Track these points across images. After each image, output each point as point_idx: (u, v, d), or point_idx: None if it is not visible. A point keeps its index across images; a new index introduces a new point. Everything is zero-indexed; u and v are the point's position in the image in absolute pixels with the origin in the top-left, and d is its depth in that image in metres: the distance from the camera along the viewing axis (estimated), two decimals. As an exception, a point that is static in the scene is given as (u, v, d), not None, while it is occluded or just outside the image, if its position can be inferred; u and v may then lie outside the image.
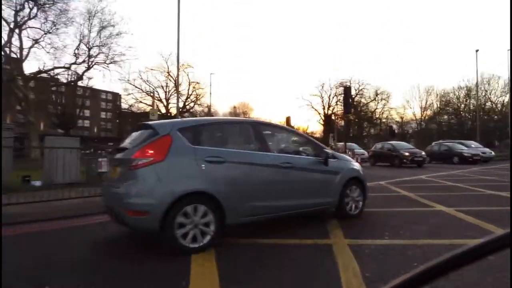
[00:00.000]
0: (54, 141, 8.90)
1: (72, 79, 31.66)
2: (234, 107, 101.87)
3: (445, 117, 52.19)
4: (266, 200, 4.28)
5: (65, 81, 33.54)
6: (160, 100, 43.57)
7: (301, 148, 5.32)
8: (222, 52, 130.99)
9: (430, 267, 0.47)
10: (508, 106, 42.23)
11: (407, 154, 17.94)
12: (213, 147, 4.09)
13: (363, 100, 51.43)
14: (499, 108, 47.40)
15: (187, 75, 42.52)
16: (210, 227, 3.75)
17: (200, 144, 3.99)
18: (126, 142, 4.38)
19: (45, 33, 27.11)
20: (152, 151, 3.68)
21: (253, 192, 4.19)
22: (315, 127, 70.80)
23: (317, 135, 68.10)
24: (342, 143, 22.86)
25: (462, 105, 50.76)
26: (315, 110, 61.53)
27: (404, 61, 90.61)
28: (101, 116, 69.66)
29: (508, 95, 43.69)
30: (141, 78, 42.01)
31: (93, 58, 30.58)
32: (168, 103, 43.84)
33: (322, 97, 59.74)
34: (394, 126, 47.55)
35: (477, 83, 38.63)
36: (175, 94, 43.92)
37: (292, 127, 32.78)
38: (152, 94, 43.44)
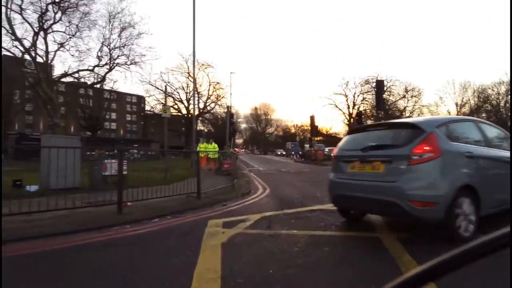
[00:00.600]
0: (51, 140, 7.82)
1: (96, 81, 31.26)
2: (255, 108, 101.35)
3: (483, 115, 48.58)
4: (502, 192, 4.44)
5: (89, 83, 33.29)
6: (181, 101, 42.83)
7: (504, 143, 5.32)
8: (242, 52, 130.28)
9: (429, 267, 0.46)
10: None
11: None
12: (463, 143, 4.39)
13: (391, 97, 48.60)
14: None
15: (207, 75, 41.61)
16: (472, 217, 4.06)
17: (452, 140, 4.28)
18: (363, 142, 4.74)
19: (70, 37, 27.00)
20: (428, 147, 3.99)
21: (496, 185, 4.48)
22: (338, 127, 68.39)
23: (341, 136, 65.89)
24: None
25: (503, 101, 46.89)
26: (339, 109, 59.39)
27: (437, 55, 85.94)
28: (127, 118, 70.41)
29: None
30: (162, 79, 41.44)
31: (115, 59, 30.14)
32: (189, 104, 43.02)
33: (347, 96, 57.42)
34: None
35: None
36: (197, 95, 43.61)
37: (316, 126, 31.21)
38: (172, 95, 42.88)
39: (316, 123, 63.35)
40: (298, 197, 8.51)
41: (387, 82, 48.59)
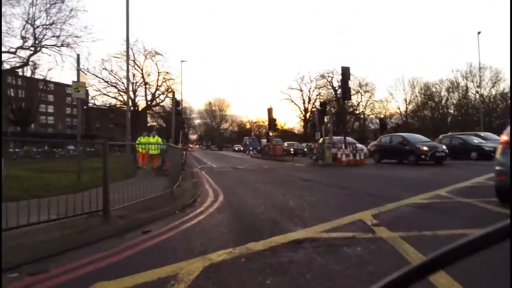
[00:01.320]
0: None
1: (18, 65, 25.81)
2: (210, 103, 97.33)
3: (426, 112, 50.07)
4: None
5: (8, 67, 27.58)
6: (125, 92, 37.96)
7: None
8: (194, 45, 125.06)
9: (429, 260, 0.46)
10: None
11: (425, 148, 14.15)
12: None
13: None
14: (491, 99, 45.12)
15: (156, 64, 37.27)
16: None
17: None
18: None
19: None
20: None
21: None
22: (292, 123, 67.15)
23: (295, 131, 64.88)
24: (338, 137, 18.98)
25: (444, 98, 48.60)
26: (295, 104, 58.12)
27: (391, 52, 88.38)
28: (66, 111, 62.64)
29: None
30: (104, 68, 36.33)
31: (41, 40, 25.04)
32: (135, 96, 38.39)
33: (302, 91, 56.41)
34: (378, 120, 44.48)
35: (480, 68, 36.09)
36: (143, 86, 39.08)
37: (274, 119, 28.90)
38: (116, 85, 37.94)
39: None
40: (265, 210, 5.72)
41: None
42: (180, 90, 36.23)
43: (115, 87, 38.45)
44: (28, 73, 37.45)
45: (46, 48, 25.76)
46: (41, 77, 38.92)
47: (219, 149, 79.90)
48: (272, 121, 27.16)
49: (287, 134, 58.97)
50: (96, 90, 37.72)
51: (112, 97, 38.42)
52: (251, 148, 35.15)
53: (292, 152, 27.17)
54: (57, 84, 50.81)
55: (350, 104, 48.50)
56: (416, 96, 52.57)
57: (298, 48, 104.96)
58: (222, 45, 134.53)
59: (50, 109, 59.60)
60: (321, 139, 22.69)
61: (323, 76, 49.68)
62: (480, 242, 0.44)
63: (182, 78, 35.88)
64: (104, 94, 38.72)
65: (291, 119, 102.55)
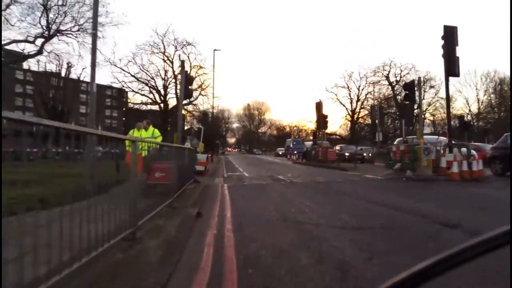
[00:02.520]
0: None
1: (32, 53, 22.27)
2: (248, 105, 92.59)
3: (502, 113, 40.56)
4: None
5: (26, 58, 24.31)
6: (157, 89, 33.83)
7: None
8: (230, 44, 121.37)
9: (428, 265, 0.45)
10: None
11: None
12: None
13: (404, 89, 40.42)
14: None
15: (188, 56, 32.59)
16: None
17: None
18: None
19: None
20: None
21: None
22: (334, 127, 59.13)
23: (341, 132, 57.27)
24: (431, 137, 12.45)
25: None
26: (341, 104, 50.61)
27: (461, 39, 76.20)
28: (106, 113, 61.11)
29: None
30: (134, 62, 32.46)
31: (53, 23, 21.28)
32: (166, 93, 34.04)
33: (350, 89, 48.89)
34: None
35: None
36: (174, 82, 34.67)
37: (325, 116, 22.71)
38: (148, 82, 33.98)
39: (310, 118, 55.02)
40: None
41: (401, 71, 40.48)
42: (212, 79, 30.88)
43: (147, 84, 34.57)
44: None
45: (61, 33, 21.96)
46: (77, 77, 36.52)
47: (253, 153, 74.30)
48: (322, 118, 20.99)
49: (330, 138, 51.82)
50: (128, 88, 33.98)
51: (142, 95, 34.47)
52: (295, 151, 29.07)
53: (347, 157, 20.77)
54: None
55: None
56: (490, 94, 43.14)
57: (343, 46, 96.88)
58: (260, 45, 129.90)
59: (83, 109, 58.11)
60: (401, 139, 16.12)
61: (374, 72, 42.14)
62: (481, 247, 0.44)
63: (214, 69, 30.33)
64: (138, 93, 34.94)
65: (333, 122, 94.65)
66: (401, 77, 40.58)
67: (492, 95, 42.89)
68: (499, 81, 42.40)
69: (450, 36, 10.86)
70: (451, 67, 10.98)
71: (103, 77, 73.29)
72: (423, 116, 40.95)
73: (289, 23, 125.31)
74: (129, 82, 32.54)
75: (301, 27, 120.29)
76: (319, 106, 21.89)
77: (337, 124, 61.18)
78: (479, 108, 41.49)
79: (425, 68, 48.29)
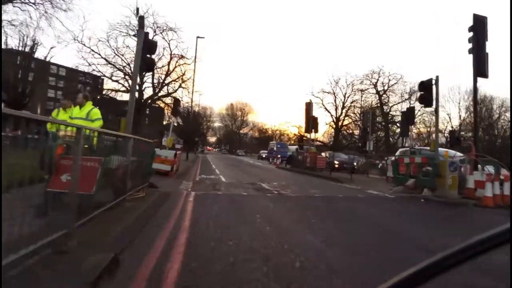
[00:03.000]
0: None
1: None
2: (231, 105, 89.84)
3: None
4: None
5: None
6: (130, 76, 30.42)
7: None
8: (217, 35, 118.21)
9: (429, 264, 0.45)
10: None
11: None
12: None
13: (393, 98, 38.97)
14: None
15: (168, 43, 29.56)
16: None
17: None
18: None
19: None
20: None
21: None
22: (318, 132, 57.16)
23: (323, 139, 55.58)
24: (445, 149, 10.34)
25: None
26: (326, 110, 48.68)
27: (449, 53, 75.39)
28: (77, 100, 56.60)
29: None
30: (109, 45, 29.08)
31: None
32: (142, 82, 30.72)
33: (336, 95, 47.07)
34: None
35: None
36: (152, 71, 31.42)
37: (315, 118, 20.41)
38: (124, 69, 30.58)
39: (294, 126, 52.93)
40: None
41: (389, 80, 39.10)
42: (194, 67, 27.82)
43: (121, 70, 31.12)
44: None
45: (17, 2, 18.55)
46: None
47: (231, 154, 71.44)
48: (311, 120, 18.66)
49: (313, 144, 49.94)
50: (96, 71, 30.42)
51: (115, 81, 31.04)
52: (278, 155, 26.66)
53: (336, 165, 18.58)
54: (68, 69, 44.57)
55: (395, 112, 39.23)
56: (471, 113, 42.51)
57: (332, 51, 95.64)
58: (247, 44, 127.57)
59: (60, 95, 53.48)
60: (405, 148, 14.03)
61: (362, 80, 40.53)
62: (481, 246, 0.43)
63: (196, 59, 27.33)
64: (111, 78, 31.42)
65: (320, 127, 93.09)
66: (388, 86, 39.23)
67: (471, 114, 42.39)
68: (480, 101, 41.91)
69: (480, 27, 8.78)
70: (480, 66, 8.90)
71: (69, 58, 66.81)
72: (412, 129, 39.75)
73: (279, 24, 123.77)
74: (99, 64, 28.91)
75: (290, 29, 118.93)
76: (309, 107, 19.62)
77: (321, 130, 59.60)
78: (460, 125, 40.83)
79: (413, 79, 47.42)
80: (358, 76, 43.03)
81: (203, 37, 23.75)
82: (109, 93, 34.69)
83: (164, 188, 7.57)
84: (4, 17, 19.59)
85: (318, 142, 50.16)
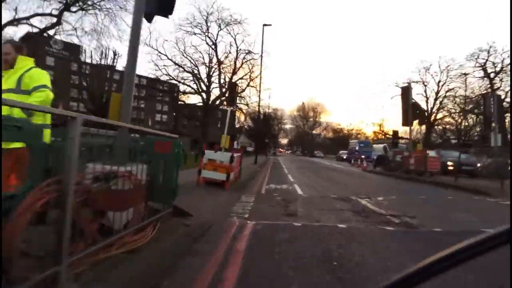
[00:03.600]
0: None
1: (48, 25, 18.78)
2: (303, 104, 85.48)
3: None
4: None
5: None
6: (201, 79, 29.12)
7: None
8: (285, 32, 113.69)
9: (427, 264, 0.45)
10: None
11: None
12: None
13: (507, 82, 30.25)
14: None
15: (234, 37, 27.30)
16: None
17: None
18: None
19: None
20: None
21: None
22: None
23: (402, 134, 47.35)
24: None
25: None
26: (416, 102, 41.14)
27: None
28: (157, 107, 59.41)
29: None
30: (178, 48, 28.13)
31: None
32: (210, 82, 29.14)
33: (426, 85, 39.06)
34: None
35: None
36: (217, 69, 29.54)
37: (417, 105, 15.49)
38: (193, 70, 29.37)
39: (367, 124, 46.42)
40: None
41: (503, 59, 30.40)
42: (260, 58, 24.59)
43: (191, 72, 29.96)
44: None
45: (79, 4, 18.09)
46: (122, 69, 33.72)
47: (311, 155, 66.77)
48: (413, 108, 13.98)
49: (396, 142, 42.54)
50: (168, 75, 29.78)
51: (187, 85, 29.98)
52: (362, 156, 22.10)
53: (450, 168, 13.48)
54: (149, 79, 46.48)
55: (504, 96, 30.41)
56: None
57: (418, 36, 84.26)
58: (319, 40, 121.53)
59: (141, 104, 56.72)
60: None
61: (462, 64, 32.52)
62: (480, 246, 0.43)
63: (263, 49, 24.05)
64: (184, 83, 30.46)
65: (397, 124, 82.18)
66: (502, 67, 30.48)
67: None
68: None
69: None
70: None
71: (139, 64, 70.51)
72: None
73: (352, 14, 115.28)
74: (166, 66, 27.99)
75: (367, 19, 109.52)
76: (406, 92, 14.87)
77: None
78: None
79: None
80: (455, 60, 35.06)
81: (270, 25, 20.71)
82: (183, 99, 34.26)
83: (205, 212, 4.51)
84: (76, 24, 19.55)
85: (404, 140, 42.86)
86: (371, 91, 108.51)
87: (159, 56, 26.11)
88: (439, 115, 38.89)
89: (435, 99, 38.68)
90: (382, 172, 15.46)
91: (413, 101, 14.76)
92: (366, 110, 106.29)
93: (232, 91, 12.48)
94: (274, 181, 10.05)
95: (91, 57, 31.49)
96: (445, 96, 37.86)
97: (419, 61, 61.65)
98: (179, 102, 38.38)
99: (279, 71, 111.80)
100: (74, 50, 43.97)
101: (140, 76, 34.84)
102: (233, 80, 28.89)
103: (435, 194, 8.46)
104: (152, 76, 29.35)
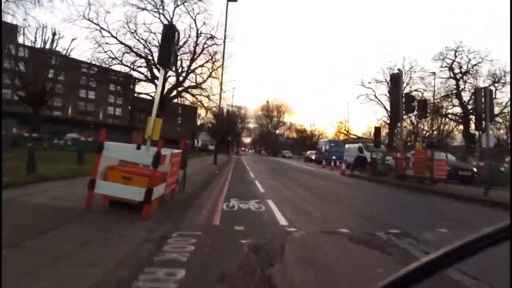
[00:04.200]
0: None
1: None
2: (267, 102, 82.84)
3: None
4: None
5: None
6: (154, 64, 24.58)
7: None
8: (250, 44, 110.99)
9: (428, 261, 0.44)
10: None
11: None
12: None
13: (474, 82, 29.55)
14: None
15: (194, 18, 23.29)
16: None
17: None
18: None
19: None
20: None
21: None
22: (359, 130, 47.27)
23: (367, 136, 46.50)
24: None
25: None
26: (380, 103, 38.84)
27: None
28: (109, 100, 52.81)
29: None
30: (128, 29, 23.24)
31: None
32: (166, 71, 24.78)
33: (389, 85, 37.86)
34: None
35: None
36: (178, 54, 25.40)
37: (424, 101, 12.86)
38: (147, 54, 24.61)
39: (345, 122, 44.68)
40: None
41: (469, 59, 29.60)
42: (223, 32, 20.35)
43: (145, 58, 25.08)
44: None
45: None
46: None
47: (274, 155, 64.29)
48: (407, 99, 11.38)
49: (359, 142, 40.80)
50: (115, 61, 24.65)
51: (136, 70, 25.25)
52: (333, 157, 19.47)
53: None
54: (101, 67, 40.32)
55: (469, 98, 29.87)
56: None
57: (381, 37, 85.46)
58: (283, 36, 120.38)
59: (91, 95, 50.08)
60: None
61: (421, 68, 31.50)
62: (481, 243, 0.42)
63: (226, 30, 20.13)
64: (134, 69, 25.41)
65: (365, 124, 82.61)
66: (468, 68, 29.73)
67: None
68: None
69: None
70: None
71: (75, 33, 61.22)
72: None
73: (315, 12, 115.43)
74: (110, 44, 23.00)
75: (330, 14, 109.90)
76: (397, 79, 12.24)
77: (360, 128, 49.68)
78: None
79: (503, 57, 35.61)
80: (418, 62, 34.10)
81: (236, 0, 17.23)
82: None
83: None
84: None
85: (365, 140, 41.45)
86: (334, 92, 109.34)
87: (101, 32, 21.23)
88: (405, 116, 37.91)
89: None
90: (366, 177, 12.69)
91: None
92: (328, 112, 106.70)
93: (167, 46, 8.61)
94: (237, 193, 6.62)
95: (35, 40, 25.67)
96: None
97: (383, 63, 61.57)
98: (135, 95, 33.11)
99: (244, 69, 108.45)
100: (10, 31, 36.95)
101: (90, 64, 29.15)
102: (191, 67, 24.88)
103: (497, 219, 5.61)
104: (95, 61, 24.07)
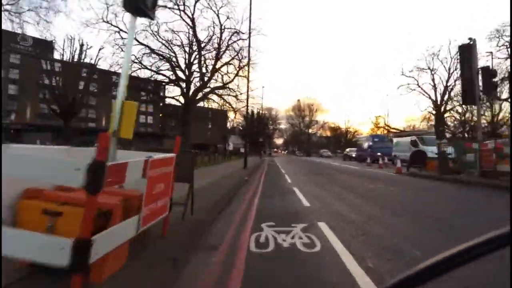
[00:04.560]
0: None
1: None
2: (298, 101, 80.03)
3: None
4: None
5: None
6: (179, 67, 23.23)
7: None
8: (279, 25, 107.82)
9: (427, 266, 0.43)
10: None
11: None
12: None
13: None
14: None
15: (217, 12, 21.49)
16: None
17: None
18: None
19: None
20: None
21: None
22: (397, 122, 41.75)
23: (420, 128, 41.94)
24: None
25: None
26: (424, 92, 34.62)
27: None
28: (141, 108, 53.24)
29: None
30: (151, 32, 21.98)
31: None
32: (191, 72, 23.23)
33: (434, 72, 33.25)
34: None
35: None
36: (197, 52, 23.87)
37: (490, 69, 10.12)
38: (171, 59, 23.29)
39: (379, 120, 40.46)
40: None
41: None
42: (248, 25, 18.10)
43: (168, 61, 23.80)
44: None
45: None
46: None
47: (308, 155, 61.26)
48: (485, 74, 8.67)
49: (401, 135, 36.56)
50: (141, 67, 23.51)
51: (161, 74, 23.90)
52: (378, 153, 16.75)
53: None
54: (134, 78, 40.26)
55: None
56: None
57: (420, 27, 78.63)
58: (308, 36, 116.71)
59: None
60: None
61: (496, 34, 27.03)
62: (480, 249, 0.41)
63: (251, 23, 18.13)
64: (159, 73, 24.15)
65: (397, 119, 76.80)
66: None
67: None
68: None
69: None
70: None
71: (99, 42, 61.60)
72: None
73: (350, 11, 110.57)
74: (143, 54, 21.99)
75: (365, 13, 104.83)
76: (468, 52, 9.48)
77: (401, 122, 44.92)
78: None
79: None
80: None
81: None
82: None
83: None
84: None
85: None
86: (367, 88, 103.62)
87: (120, 33, 20.19)
88: (450, 106, 33.32)
89: (445, 88, 33.29)
90: (434, 176, 10.01)
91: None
92: (361, 108, 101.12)
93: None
94: (271, 211, 4.55)
95: (62, 53, 25.82)
96: (453, 85, 32.21)
97: (425, 49, 56.31)
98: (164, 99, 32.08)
99: (273, 69, 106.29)
100: (46, 46, 38.12)
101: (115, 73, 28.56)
102: (217, 66, 23.15)
103: None
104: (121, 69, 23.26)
